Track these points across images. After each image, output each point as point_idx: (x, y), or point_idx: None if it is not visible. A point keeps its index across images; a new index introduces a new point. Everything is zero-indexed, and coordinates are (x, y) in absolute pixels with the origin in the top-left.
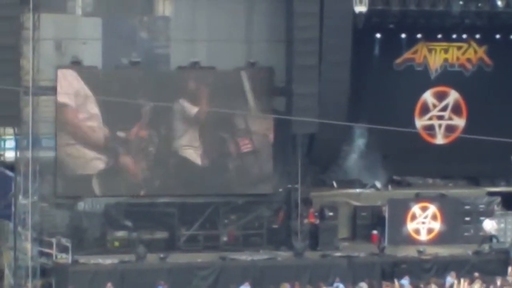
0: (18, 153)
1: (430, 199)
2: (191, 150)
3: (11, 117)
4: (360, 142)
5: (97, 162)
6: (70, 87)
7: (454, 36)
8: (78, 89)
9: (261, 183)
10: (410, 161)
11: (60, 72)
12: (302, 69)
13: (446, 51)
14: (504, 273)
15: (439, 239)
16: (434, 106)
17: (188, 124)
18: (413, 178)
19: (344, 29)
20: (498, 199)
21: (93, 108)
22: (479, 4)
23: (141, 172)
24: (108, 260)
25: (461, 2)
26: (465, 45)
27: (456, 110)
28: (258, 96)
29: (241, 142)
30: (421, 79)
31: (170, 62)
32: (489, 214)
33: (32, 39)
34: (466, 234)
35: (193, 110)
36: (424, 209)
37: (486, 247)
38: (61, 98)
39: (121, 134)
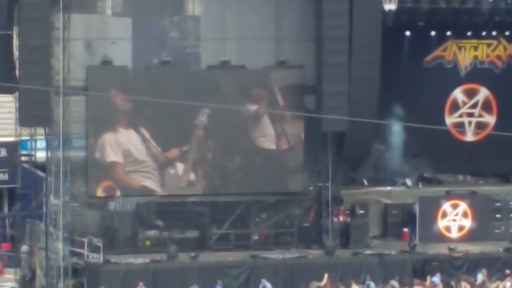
0: (49, 153)
1: (461, 197)
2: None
3: (42, 117)
4: (391, 139)
5: None
6: None
7: (484, 33)
8: None
9: (292, 182)
10: (441, 158)
11: None
12: (332, 67)
13: (475, 48)
14: None
15: (470, 236)
16: (464, 103)
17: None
18: (444, 176)
19: (374, 27)
20: None
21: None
22: (509, 1)
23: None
24: (139, 260)
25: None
26: (494, 42)
27: (486, 107)
28: (288, 95)
29: (278, 141)
30: (451, 76)
31: (201, 61)
32: None
33: (62, 39)
34: (497, 231)
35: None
36: (454, 206)
37: None
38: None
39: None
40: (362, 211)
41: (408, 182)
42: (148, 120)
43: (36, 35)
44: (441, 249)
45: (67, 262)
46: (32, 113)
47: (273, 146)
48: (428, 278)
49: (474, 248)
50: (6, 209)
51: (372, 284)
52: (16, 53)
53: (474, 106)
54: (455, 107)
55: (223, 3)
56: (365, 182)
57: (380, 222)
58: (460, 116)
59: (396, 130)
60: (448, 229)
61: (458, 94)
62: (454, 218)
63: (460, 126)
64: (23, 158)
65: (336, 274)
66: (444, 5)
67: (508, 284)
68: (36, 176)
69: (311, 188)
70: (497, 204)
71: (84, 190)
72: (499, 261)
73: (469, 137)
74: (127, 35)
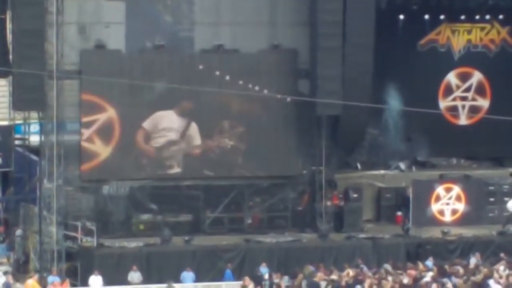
0: (42, 137)
1: (454, 180)
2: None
3: (35, 101)
4: (386, 122)
5: None
6: None
7: (477, 17)
8: None
9: (286, 166)
10: (434, 142)
11: None
12: (326, 51)
13: (469, 32)
14: None
15: (464, 220)
16: (458, 87)
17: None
18: (437, 159)
19: (367, 11)
20: None
21: None
22: None
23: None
24: (133, 243)
25: None
26: (488, 26)
27: (480, 91)
28: (282, 79)
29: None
30: (445, 60)
31: (194, 45)
32: None
33: (56, 23)
34: (490, 214)
35: None
36: (448, 190)
37: (510, 227)
38: None
39: None
40: (355, 195)
41: (402, 166)
42: (143, 103)
43: (30, 19)
44: (435, 233)
45: (61, 246)
46: (26, 97)
47: (267, 130)
48: (420, 262)
49: (467, 232)
50: (0, 193)
51: (365, 268)
52: (9, 37)
53: (467, 89)
54: (448, 90)
55: None
56: (359, 166)
57: (374, 205)
58: (454, 99)
59: (393, 107)
60: (441, 212)
61: (451, 77)
62: (448, 202)
63: (453, 109)
64: (16, 142)
65: (329, 258)
66: None
67: (501, 267)
68: (30, 160)
69: (305, 172)
70: (491, 188)
71: (77, 174)
72: (492, 245)
73: (463, 120)
74: (121, 19)
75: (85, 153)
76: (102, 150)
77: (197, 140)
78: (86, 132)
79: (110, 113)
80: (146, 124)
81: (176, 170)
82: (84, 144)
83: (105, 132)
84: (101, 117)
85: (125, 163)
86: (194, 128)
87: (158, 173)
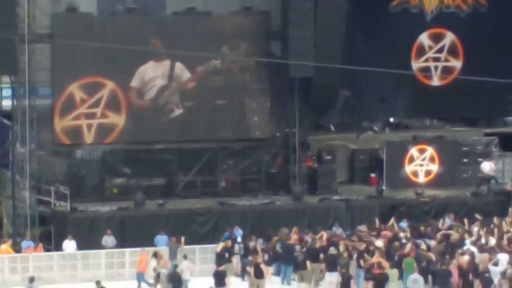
0: (15, 102)
1: (428, 141)
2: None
3: (7, 66)
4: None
5: None
6: None
7: None
8: None
9: (259, 128)
10: (407, 103)
11: None
12: (297, 12)
13: None
14: (503, 214)
15: (437, 181)
16: (430, 48)
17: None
18: (411, 121)
19: None
20: (496, 140)
21: None
22: None
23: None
24: (107, 207)
25: None
26: None
27: (453, 51)
28: (255, 41)
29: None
30: (417, 21)
31: (166, 8)
32: (487, 155)
33: None
34: (464, 175)
35: None
36: (421, 151)
37: (484, 188)
38: None
39: None
40: (329, 157)
41: (375, 127)
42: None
43: None
44: (409, 194)
45: (34, 210)
46: None
47: (240, 93)
48: (395, 223)
49: (441, 193)
50: None
51: (339, 230)
52: None
53: (440, 50)
54: (421, 51)
55: None
56: (332, 128)
57: (347, 167)
58: (426, 60)
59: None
60: (415, 174)
61: (424, 38)
62: (421, 163)
63: (426, 70)
64: None
65: (303, 220)
66: None
67: (475, 228)
68: (2, 124)
69: (278, 134)
70: (464, 149)
71: (50, 138)
72: (466, 206)
73: (436, 81)
74: None
75: (105, 129)
76: (118, 120)
77: (186, 75)
78: (98, 110)
79: (110, 85)
80: (134, 82)
81: (178, 112)
82: (101, 121)
83: (113, 104)
84: (104, 92)
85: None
86: (179, 67)
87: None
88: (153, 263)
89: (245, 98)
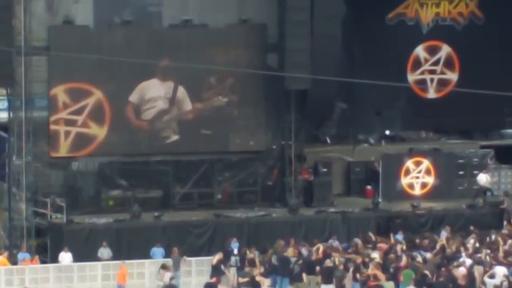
0: (11, 114)
1: (424, 154)
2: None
3: (3, 78)
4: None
5: None
6: None
7: None
8: None
9: (255, 140)
10: (403, 116)
11: None
12: (294, 24)
13: (437, 5)
14: (498, 227)
15: (433, 194)
16: (426, 60)
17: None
18: (407, 133)
19: None
20: (492, 152)
21: None
22: None
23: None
24: (103, 219)
25: None
26: None
27: (449, 64)
28: (251, 53)
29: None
30: (413, 33)
31: (162, 21)
32: (483, 168)
33: None
34: (460, 188)
35: None
36: (417, 163)
37: (480, 200)
38: None
39: None
40: (325, 169)
41: (371, 139)
42: (111, 79)
43: None
44: (405, 207)
45: (30, 222)
46: None
47: (236, 105)
48: (391, 236)
49: (437, 205)
50: None
51: (336, 242)
52: None
53: (436, 63)
54: (417, 64)
55: None
56: (328, 140)
57: (343, 179)
58: (422, 73)
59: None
60: (411, 186)
61: (420, 51)
62: (417, 175)
63: (422, 83)
64: None
65: (299, 232)
66: None
67: (471, 241)
68: None
69: (274, 146)
70: (460, 161)
71: (46, 150)
72: (462, 218)
73: (432, 94)
74: None
75: (84, 139)
76: (99, 132)
77: (187, 102)
78: (80, 118)
79: (97, 95)
80: (133, 97)
81: (174, 138)
82: (81, 130)
83: (97, 114)
84: (90, 101)
85: (122, 141)
86: (181, 92)
87: (156, 146)
88: (168, 274)
89: (242, 110)
